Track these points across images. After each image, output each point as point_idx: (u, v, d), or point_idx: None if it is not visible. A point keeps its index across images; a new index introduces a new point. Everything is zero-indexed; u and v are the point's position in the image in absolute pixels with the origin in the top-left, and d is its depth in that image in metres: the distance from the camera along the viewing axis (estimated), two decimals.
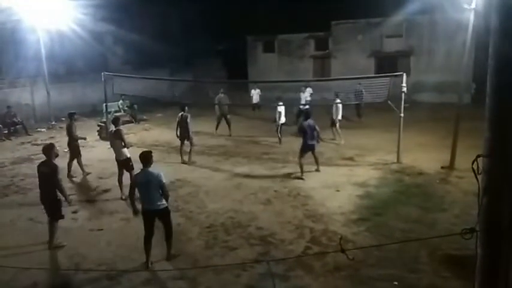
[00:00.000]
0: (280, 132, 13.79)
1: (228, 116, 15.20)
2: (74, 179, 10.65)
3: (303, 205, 8.51)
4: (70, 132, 10.69)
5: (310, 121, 10.29)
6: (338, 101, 13.99)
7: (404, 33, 23.29)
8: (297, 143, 13.81)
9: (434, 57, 22.02)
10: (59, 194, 6.75)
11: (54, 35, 18.85)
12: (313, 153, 10.54)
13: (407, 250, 6.39)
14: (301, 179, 10.08)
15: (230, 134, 15.09)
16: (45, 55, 18.30)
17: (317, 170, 10.59)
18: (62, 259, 6.60)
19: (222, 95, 15.28)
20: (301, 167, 10.28)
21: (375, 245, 6.51)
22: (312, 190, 9.33)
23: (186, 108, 11.78)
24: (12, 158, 12.84)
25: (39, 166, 6.84)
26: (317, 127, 10.35)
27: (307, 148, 10.33)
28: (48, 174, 6.64)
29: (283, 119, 13.89)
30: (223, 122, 15.18)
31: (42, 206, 6.99)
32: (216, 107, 15.31)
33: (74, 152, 10.69)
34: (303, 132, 10.33)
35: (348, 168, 11.05)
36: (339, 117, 13.90)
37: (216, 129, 15.26)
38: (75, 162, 10.73)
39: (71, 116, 10.93)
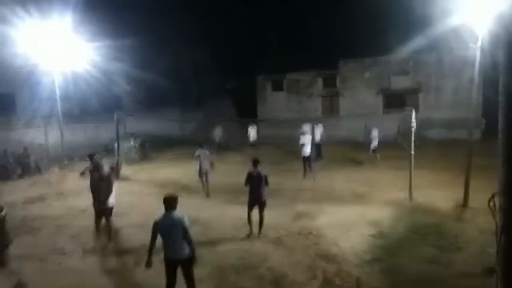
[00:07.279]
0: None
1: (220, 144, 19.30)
2: None
3: (314, 244, 8.34)
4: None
5: (258, 169, 8.91)
6: (374, 132, 16.36)
7: (411, 71, 23.60)
8: (308, 180, 13.86)
9: (443, 94, 22.20)
10: None
11: (69, 76, 19.44)
12: (260, 211, 8.86)
13: None
14: (249, 235, 8.91)
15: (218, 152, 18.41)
16: (60, 96, 18.75)
17: (258, 235, 8.84)
18: None
19: (219, 128, 19.66)
20: (249, 222, 8.95)
21: None
22: (324, 229, 9.17)
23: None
24: (24, 198, 12.91)
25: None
26: (267, 177, 8.85)
27: (253, 202, 8.88)
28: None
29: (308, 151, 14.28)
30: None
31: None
32: (213, 137, 19.55)
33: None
34: (248, 181, 8.88)
35: (360, 206, 10.90)
36: (375, 144, 16.22)
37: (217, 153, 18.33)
38: None
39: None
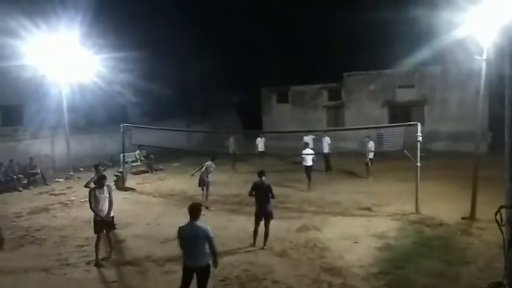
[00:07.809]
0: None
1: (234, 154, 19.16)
2: None
3: (320, 257, 8.26)
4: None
5: (263, 179, 8.89)
6: (370, 144, 16.00)
7: (416, 83, 23.56)
8: (313, 192, 13.81)
9: (448, 106, 22.10)
10: None
11: (76, 87, 19.60)
12: (266, 223, 8.81)
13: None
14: (253, 246, 8.85)
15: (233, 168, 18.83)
16: (67, 107, 18.88)
17: (263, 247, 8.74)
18: None
19: (232, 139, 19.60)
20: (254, 235, 8.89)
21: None
22: (329, 241, 9.10)
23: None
24: (29, 208, 12.94)
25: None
26: (271, 188, 8.84)
27: (259, 214, 8.84)
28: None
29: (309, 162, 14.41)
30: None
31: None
32: (230, 148, 19.29)
33: None
34: (253, 192, 8.89)
35: (366, 218, 10.81)
36: (370, 156, 15.87)
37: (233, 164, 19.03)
38: None
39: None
